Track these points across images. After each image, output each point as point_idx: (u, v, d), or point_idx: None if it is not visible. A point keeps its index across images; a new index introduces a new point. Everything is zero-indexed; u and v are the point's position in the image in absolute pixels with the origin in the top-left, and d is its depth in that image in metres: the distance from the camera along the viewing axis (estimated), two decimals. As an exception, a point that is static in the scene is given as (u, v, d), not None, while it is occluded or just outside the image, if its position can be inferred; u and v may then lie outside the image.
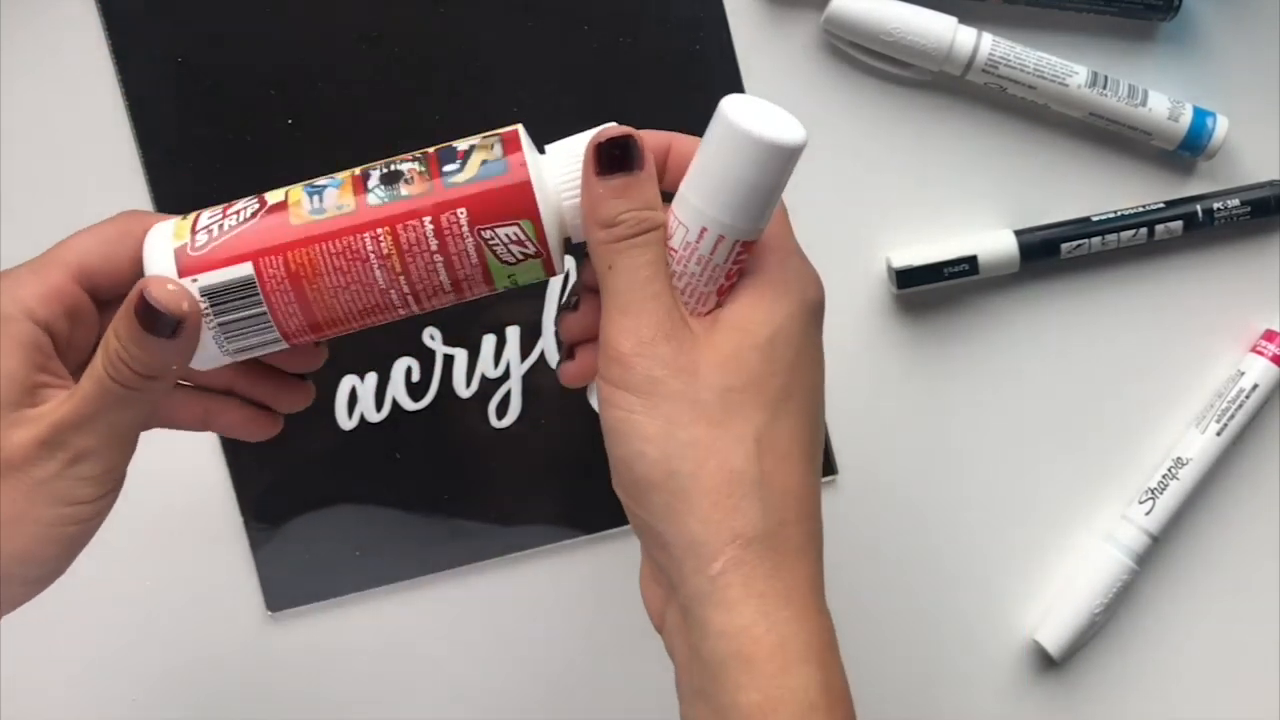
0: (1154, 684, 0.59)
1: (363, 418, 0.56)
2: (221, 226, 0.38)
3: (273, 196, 0.39)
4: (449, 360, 0.56)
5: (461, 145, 0.39)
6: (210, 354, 0.39)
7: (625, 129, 0.37)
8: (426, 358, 0.56)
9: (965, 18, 0.54)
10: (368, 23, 0.55)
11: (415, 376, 0.56)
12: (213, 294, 0.38)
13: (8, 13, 0.54)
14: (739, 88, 0.55)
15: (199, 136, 0.55)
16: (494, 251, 0.38)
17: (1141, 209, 0.57)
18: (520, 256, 0.38)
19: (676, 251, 0.38)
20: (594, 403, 0.40)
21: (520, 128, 0.39)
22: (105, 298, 0.40)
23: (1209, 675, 0.59)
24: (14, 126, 0.55)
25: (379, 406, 0.56)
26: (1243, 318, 0.58)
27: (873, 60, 0.56)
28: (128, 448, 0.39)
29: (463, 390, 0.56)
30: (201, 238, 0.38)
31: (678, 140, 0.39)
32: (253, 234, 0.38)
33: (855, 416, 0.57)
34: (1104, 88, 0.55)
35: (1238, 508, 0.59)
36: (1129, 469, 0.58)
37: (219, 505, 0.56)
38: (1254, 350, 0.58)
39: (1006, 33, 0.55)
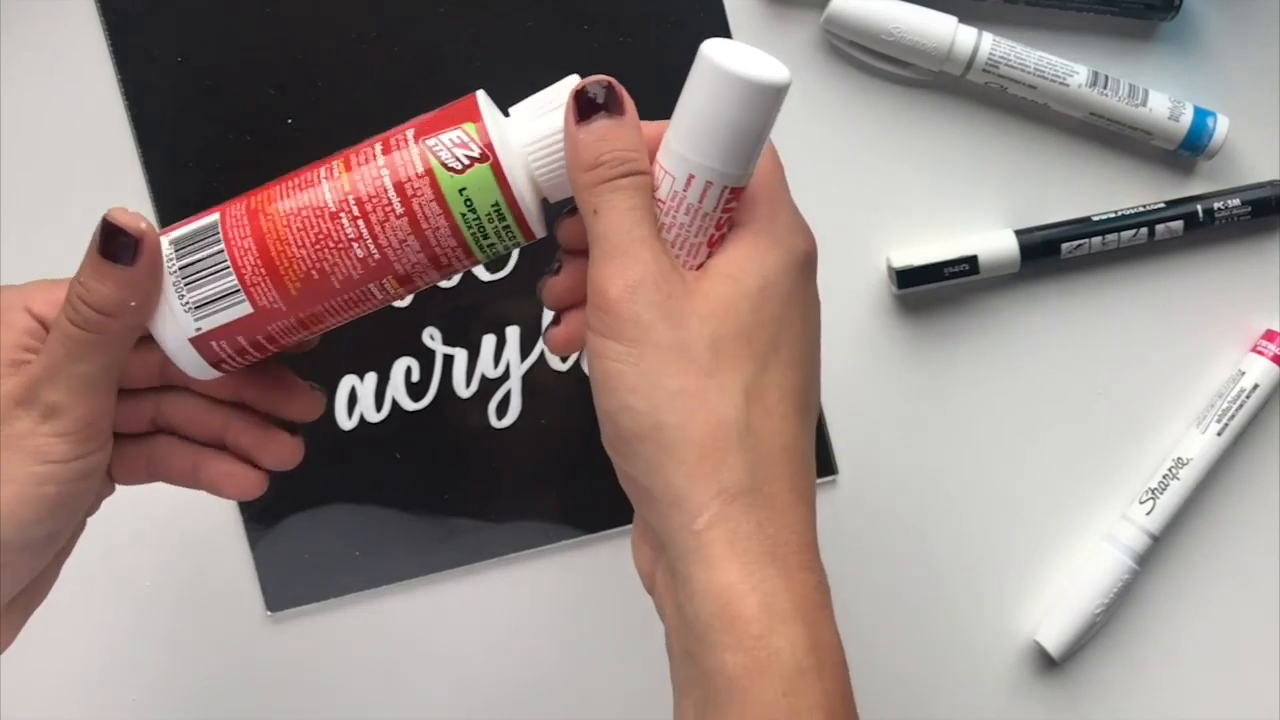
0: (1154, 684, 0.59)
1: (363, 418, 0.56)
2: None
3: None
4: (449, 360, 0.56)
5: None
6: (181, 325, 0.38)
7: (603, 77, 0.37)
8: (426, 358, 0.56)
9: (965, 17, 0.54)
10: (368, 23, 0.55)
11: (415, 376, 0.56)
12: (179, 242, 0.39)
13: (8, 13, 0.54)
14: (739, 88, 0.55)
15: (199, 136, 0.55)
16: (438, 157, 0.37)
17: (1142, 209, 0.57)
18: (466, 160, 0.37)
19: (664, 202, 0.37)
20: (585, 367, 0.40)
21: (480, 91, 0.39)
22: None
23: (1209, 675, 0.59)
24: (14, 126, 0.55)
25: (379, 406, 0.56)
26: (1243, 318, 0.58)
27: (873, 60, 0.56)
28: (99, 401, 0.38)
29: (463, 390, 0.56)
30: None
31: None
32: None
33: (855, 416, 0.57)
34: (1104, 87, 0.55)
35: (1238, 508, 0.59)
36: (1129, 469, 0.58)
37: (219, 505, 0.56)
38: (1254, 350, 0.58)
39: (1007, 32, 0.55)
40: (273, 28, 0.55)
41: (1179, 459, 0.57)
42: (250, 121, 0.54)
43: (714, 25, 0.55)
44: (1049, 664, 0.58)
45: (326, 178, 0.38)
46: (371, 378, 0.56)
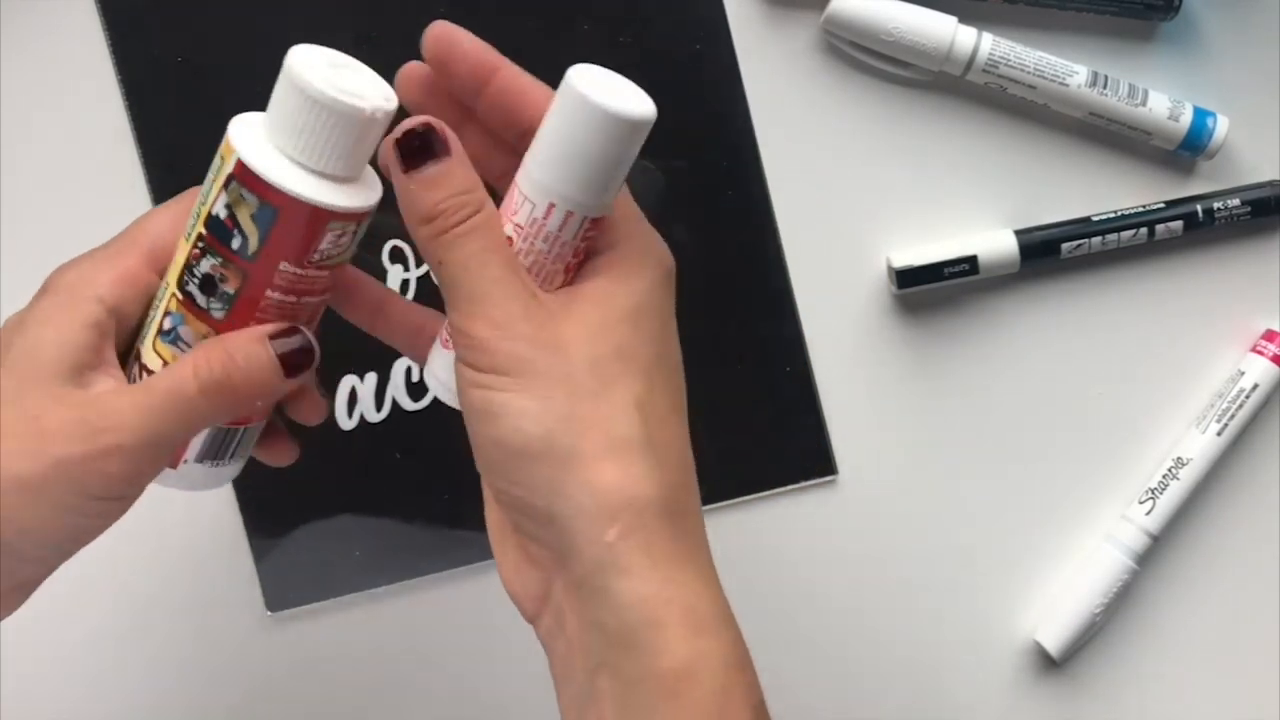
0: (1154, 684, 0.59)
1: (363, 418, 0.56)
2: None
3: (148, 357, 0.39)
4: (449, 360, 0.56)
5: (219, 210, 0.37)
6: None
7: (422, 118, 0.36)
8: (426, 358, 0.56)
9: (965, 18, 0.54)
10: (368, 23, 0.55)
11: (415, 376, 0.56)
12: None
13: (8, 13, 0.54)
14: (739, 88, 0.55)
15: (199, 136, 0.54)
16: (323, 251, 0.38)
17: (1142, 209, 0.57)
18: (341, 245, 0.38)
19: (523, 228, 0.37)
20: (435, 387, 0.39)
21: (238, 153, 0.37)
22: None
23: (1209, 675, 0.59)
24: (14, 126, 0.55)
25: (379, 406, 0.56)
26: (1243, 318, 0.58)
27: (873, 60, 0.56)
28: (161, 463, 0.38)
29: (463, 390, 0.56)
30: None
31: (505, 69, 0.38)
32: None
33: (855, 416, 0.57)
34: (1104, 87, 0.55)
35: (1238, 508, 0.59)
36: (1129, 469, 0.58)
37: (219, 505, 0.56)
38: (1254, 350, 0.58)
39: (1006, 33, 0.55)
40: (273, 28, 0.55)
41: (1179, 459, 0.57)
42: (250, 121, 0.54)
43: (714, 25, 0.55)
44: (1049, 664, 0.58)
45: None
46: (371, 378, 0.56)
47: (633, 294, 0.37)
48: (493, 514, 0.40)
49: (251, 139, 0.37)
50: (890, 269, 0.56)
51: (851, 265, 0.57)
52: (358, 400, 0.56)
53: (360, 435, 0.56)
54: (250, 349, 0.37)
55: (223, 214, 0.37)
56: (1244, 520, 0.59)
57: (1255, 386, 0.57)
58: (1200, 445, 0.57)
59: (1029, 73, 0.54)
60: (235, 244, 0.37)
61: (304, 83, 0.36)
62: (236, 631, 0.56)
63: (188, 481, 0.41)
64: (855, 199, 0.56)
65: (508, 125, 0.38)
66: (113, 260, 0.39)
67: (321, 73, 0.36)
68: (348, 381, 0.56)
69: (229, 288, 0.37)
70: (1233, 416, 0.57)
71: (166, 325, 0.38)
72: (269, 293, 0.37)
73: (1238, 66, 0.57)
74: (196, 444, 0.40)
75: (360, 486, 0.56)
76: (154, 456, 0.37)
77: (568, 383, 0.35)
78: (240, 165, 0.36)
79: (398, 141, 0.36)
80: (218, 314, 0.38)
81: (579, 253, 0.38)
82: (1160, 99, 0.55)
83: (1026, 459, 0.58)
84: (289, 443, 0.43)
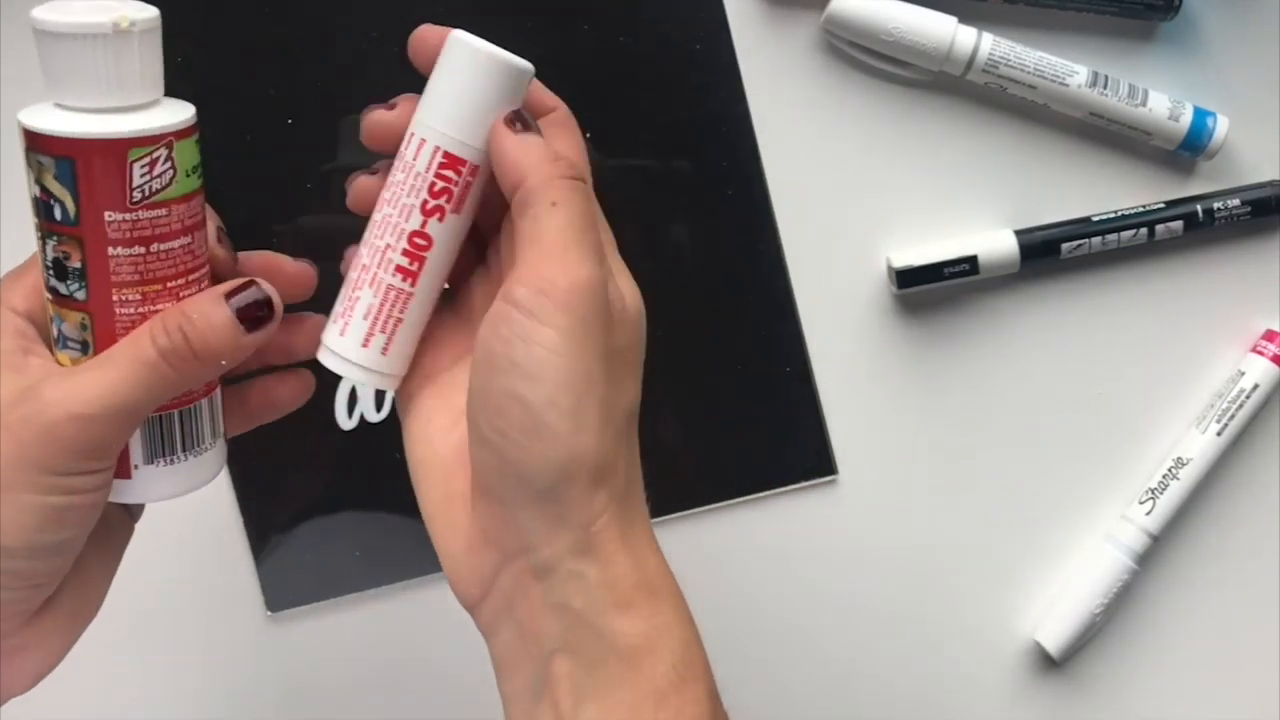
0: (1154, 684, 0.59)
1: (363, 418, 0.56)
2: None
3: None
4: (449, 360, 0.56)
5: (33, 189, 0.37)
6: None
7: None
8: (426, 358, 0.56)
9: (965, 17, 0.54)
10: (368, 23, 0.55)
11: (415, 376, 0.56)
12: None
13: (8, 13, 0.54)
14: (739, 88, 0.55)
15: (199, 134, 0.54)
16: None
17: (1142, 209, 0.57)
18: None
19: (393, 163, 0.39)
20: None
21: (20, 123, 0.36)
22: None
23: (1209, 675, 0.59)
24: (14, 127, 0.55)
25: (379, 406, 0.56)
26: (1243, 318, 0.58)
27: (873, 60, 0.56)
28: (127, 431, 0.37)
29: (463, 390, 0.56)
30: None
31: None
32: None
33: (855, 416, 0.57)
34: (1104, 87, 0.55)
35: (1238, 508, 0.59)
36: (1129, 469, 0.58)
37: (219, 505, 0.56)
38: (1254, 350, 0.58)
39: (1007, 33, 0.55)
40: (273, 28, 0.54)
41: (1179, 459, 0.57)
42: (250, 121, 0.54)
43: (714, 25, 0.55)
44: (1049, 664, 0.58)
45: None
46: (371, 378, 0.56)
47: (635, 300, 0.38)
48: (434, 491, 0.39)
49: (32, 109, 0.36)
50: (890, 269, 0.56)
51: (851, 265, 0.57)
52: (358, 400, 0.56)
53: (360, 435, 0.56)
54: (205, 308, 0.37)
55: (37, 191, 0.36)
56: (1244, 520, 0.59)
57: (1255, 386, 0.57)
58: (1200, 445, 0.57)
59: (1029, 73, 0.54)
60: (58, 214, 0.36)
61: (37, 23, 0.35)
62: (236, 631, 0.56)
63: (150, 490, 0.39)
64: (855, 199, 0.56)
65: None
66: (20, 276, 0.39)
67: (57, 8, 0.35)
68: (348, 381, 0.56)
69: (75, 263, 0.36)
70: (1233, 417, 0.57)
71: (55, 332, 0.37)
72: (112, 251, 0.36)
73: (1238, 66, 0.57)
74: (136, 445, 0.38)
75: (360, 486, 0.56)
76: (120, 425, 0.36)
77: (606, 366, 0.36)
78: (26, 133, 0.36)
79: (513, 114, 0.38)
80: (80, 295, 0.37)
81: (437, 194, 0.38)
82: (1160, 99, 0.55)
83: (1026, 459, 0.58)
84: (298, 377, 0.42)
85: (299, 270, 0.41)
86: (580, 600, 0.35)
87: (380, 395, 0.56)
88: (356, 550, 0.56)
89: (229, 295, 0.37)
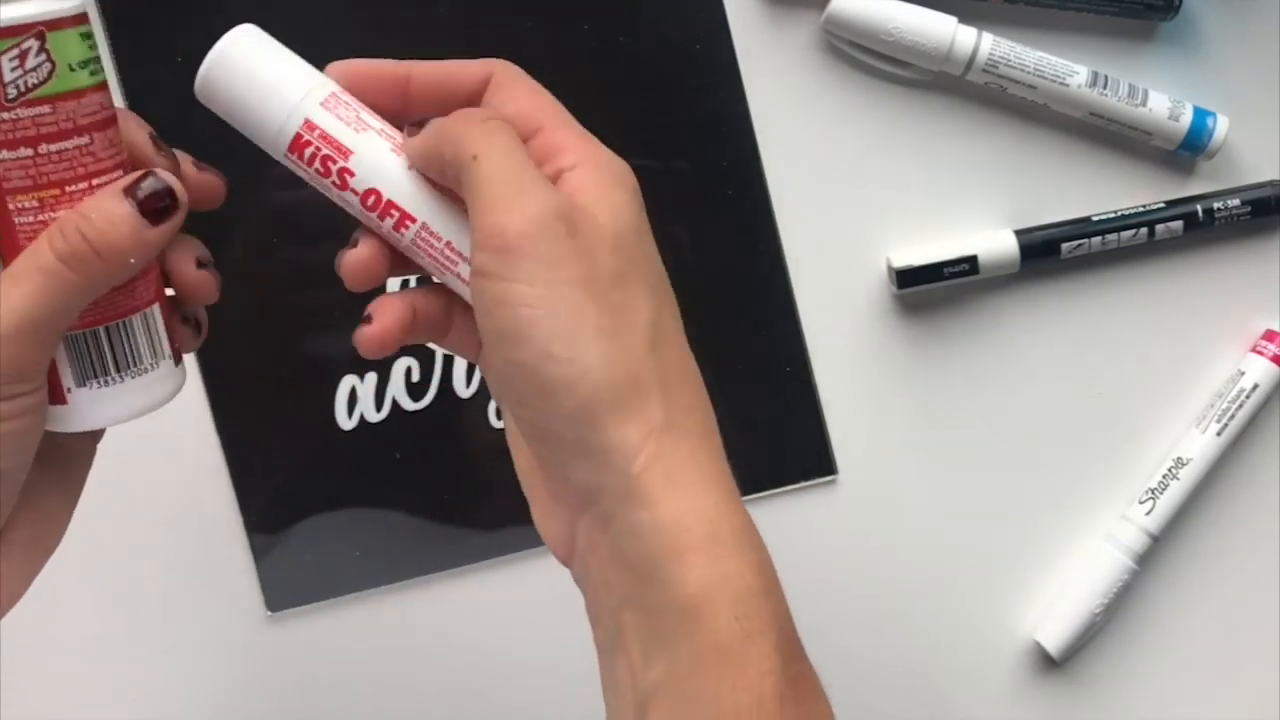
0: (1154, 684, 0.59)
1: (362, 418, 0.56)
2: None
3: None
4: (449, 360, 0.56)
5: None
6: None
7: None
8: (426, 357, 0.56)
9: (965, 17, 0.54)
10: (367, 22, 0.55)
11: (415, 376, 0.56)
12: None
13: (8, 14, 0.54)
14: (739, 88, 0.55)
15: (199, 136, 0.54)
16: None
17: (1142, 209, 0.57)
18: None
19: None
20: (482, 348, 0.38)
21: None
22: None
23: (1209, 675, 0.59)
24: None
25: (379, 406, 0.56)
26: (1243, 318, 0.58)
27: (873, 60, 0.56)
28: (44, 348, 0.34)
29: (463, 390, 0.56)
30: None
31: (417, 70, 0.38)
32: None
33: (855, 416, 0.57)
34: (1104, 87, 0.55)
35: (1238, 508, 0.59)
36: (1129, 469, 0.58)
37: (219, 505, 0.56)
38: (1254, 350, 0.58)
39: (1007, 32, 0.55)
40: (270, 28, 0.54)
41: (1179, 459, 0.57)
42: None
43: (714, 25, 0.55)
44: (1049, 664, 0.58)
45: None
46: (371, 378, 0.56)
47: (628, 206, 0.36)
48: (520, 456, 0.39)
49: None
50: (890, 269, 0.56)
51: (851, 265, 0.57)
52: (358, 400, 0.56)
53: (360, 435, 0.56)
54: (103, 205, 0.34)
55: None
56: (1244, 520, 0.59)
57: (1255, 386, 0.57)
58: (1200, 445, 0.57)
59: (1029, 73, 0.54)
60: None
61: None
62: (236, 631, 0.56)
63: (89, 415, 0.36)
64: (855, 199, 0.56)
65: (450, 103, 0.38)
66: None
67: None
68: (348, 381, 0.56)
69: None
70: (1233, 416, 0.57)
71: None
72: None
73: (1238, 66, 0.57)
74: (64, 367, 0.36)
75: (360, 486, 0.56)
76: (33, 343, 0.34)
77: (597, 295, 0.34)
78: None
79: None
80: None
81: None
82: (1160, 99, 0.55)
83: (1026, 459, 0.58)
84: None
85: (204, 178, 0.39)
86: (635, 550, 0.34)
87: (380, 396, 0.56)
88: (356, 550, 0.56)
89: (127, 189, 0.35)
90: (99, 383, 0.36)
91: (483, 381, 0.56)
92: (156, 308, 0.37)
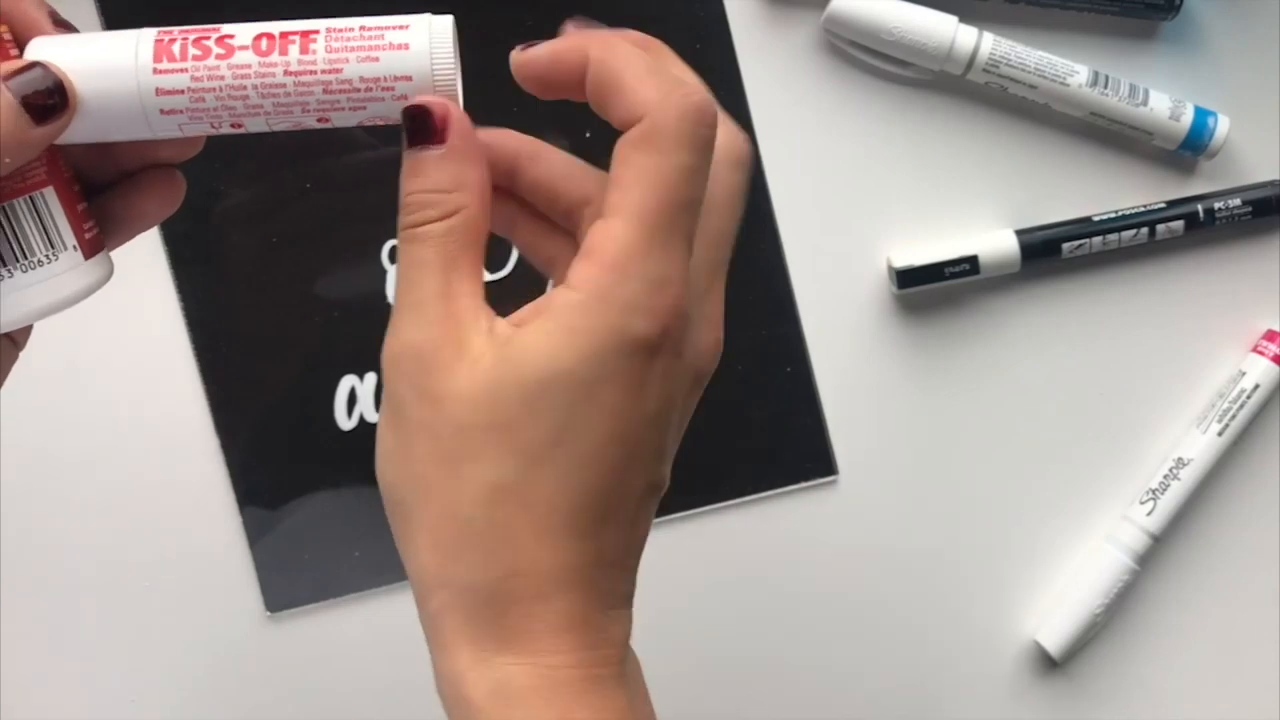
0: (1154, 684, 0.59)
1: (362, 418, 0.56)
2: None
3: None
4: (449, 360, 0.56)
5: None
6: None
7: (433, 99, 0.33)
8: (426, 358, 0.56)
9: (966, 17, 0.54)
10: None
11: (415, 376, 0.56)
12: None
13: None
14: (739, 88, 0.55)
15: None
16: None
17: (1142, 209, 0.56)
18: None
19: None
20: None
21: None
22: None
23: (1209, 675, 0.59)
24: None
25: (379, 406, 0.56)
26: (1244, 318, 0.58)
27: (873, 60, 0.55)
28: None
29: (462, 390, 0.56)
30: None
31: (596, 50, 0.35)
32: None
33: (855, 416, 0.57)
34: (1105, 87, 0.55)
35: (1239, 508, 0.59)
36: (1130, 469, 0.58)
37: (218, 505, 0.56)
38: (1255, 350, 0.58)
39: (1007, 32, 0.55)
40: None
41: (1179, 459, 0.57)
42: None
43: (714, 25, 0.55)
44: (1049, 664, 0.58)
45: None
46: (371, 378, 0.56)
47: (554, 360, 0.30)
48: None
49: None
50: (890, 269, 0.56)
51: (851, 265, 0.57)
52: (358, 400, 0.56)
53: (360, 435, 0.56)
54: None
55: None
56: (1244, 520, 0.59)
57: (1256, 387, 0.57)
58: (1201, 445, 0.57)
59: (1030, 72, 0.54)
60: None
61: None
62: (236, 631, 0.56)
63: None
64: (855, 199, 0.56)
65: (551, 210, 0.37)
66: None
67: None
68: (348, 381, 0.56)
69: None
70: (1234, 417, 0.57)
71: None
72: None
73: (1238, 66, 0.57)
74: None
75: (360, 486, 0.56)
76: None
77: (429, 441, 0.31)
78: None
79: (404, 112, 0.33)
80: None
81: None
82: (1161, 99, 0.55)
83: (1027, 459, 0.58)
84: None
85: (169, 182, 0.37)
86: (437, 685, 0.34)
87: (380, 396, 0.56)
88: (356, 550, 0.56)
89: (8, 78, 0.31)
90: None
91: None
92: (50, 190, 0.33)
